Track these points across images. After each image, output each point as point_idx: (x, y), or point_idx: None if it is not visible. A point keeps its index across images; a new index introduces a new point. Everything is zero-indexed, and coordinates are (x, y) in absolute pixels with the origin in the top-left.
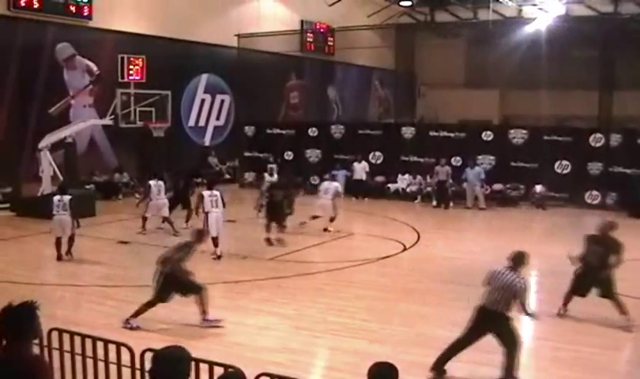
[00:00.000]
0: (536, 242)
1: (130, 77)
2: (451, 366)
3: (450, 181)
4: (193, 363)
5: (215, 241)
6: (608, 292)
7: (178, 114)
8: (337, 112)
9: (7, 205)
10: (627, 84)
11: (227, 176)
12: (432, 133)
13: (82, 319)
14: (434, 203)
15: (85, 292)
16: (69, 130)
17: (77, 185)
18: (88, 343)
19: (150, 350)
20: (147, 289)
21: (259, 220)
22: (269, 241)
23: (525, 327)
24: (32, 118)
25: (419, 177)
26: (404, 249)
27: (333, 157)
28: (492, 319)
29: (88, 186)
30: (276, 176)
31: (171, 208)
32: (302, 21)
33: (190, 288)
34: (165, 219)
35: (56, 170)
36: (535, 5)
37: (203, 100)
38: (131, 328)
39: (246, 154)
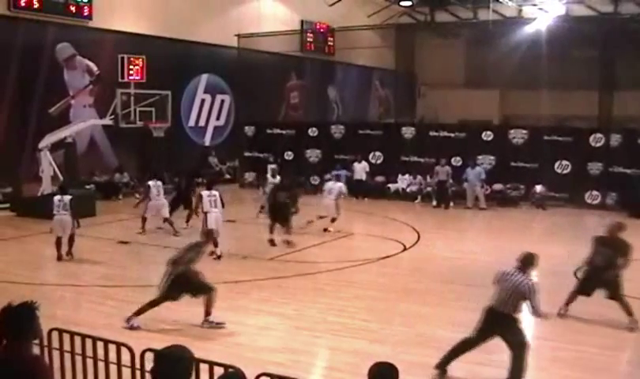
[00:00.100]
0: (536, 242)
1: (130, 77)
2: (451, 366)
3: (450, 181)
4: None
5: (214, 241)
6: (615, 294)
7: (178, 114)
8: (337, 112)
9: (7, 205)
10: (627, 84)
11: (228, 176)
12: (432, 133)
13: (82, 319)
14: (434, 203)
15: (85, 292)
16: (69, 130)
17: (77, 185)
18: (89, 343)
19: (150, 350)
20: (147, 289)
21: (259, 220)
22: (272, 242)
23: (525, 327)
24: (32, 118)
25: (419, 177)
26: (405, 249)
27: (333, 157)
28: (500, 320)
29: (88, 186)
30: (278, 177)
31: (174, 209)
32: (302, 21)
33: (201, 289)
34: (165, 220)
35: (56, 170)
36: (535, 5)
37: (203, 100)
38: (131, 328)
39: (246, 154)
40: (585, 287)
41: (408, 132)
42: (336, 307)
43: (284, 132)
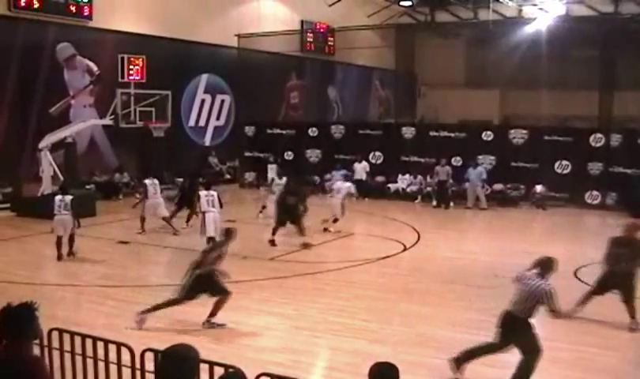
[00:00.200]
0: (537, 242)
1: (130, 77)
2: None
3: (450, 181)
4: None
5: (213, 241)
6: (629, 297)
7: (178, 114)
8: (337, 112)
9: (8, 205)
10: (628, 84)
11: (228, 176)
12: (432, 133)
13: (82, 319)
14: (434, 203)
15: (85, 292)
16: (70, 130)
17: (77, 185)
18: (89, 343)
19: (150, 350)
20: (147, 289)
21: (259, 221)
22: (272, 242)
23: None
24: (33, 118)
25: (419, 177)
26: (405, 249)
27: (334, 157)
28: (515, 324)
29: (88, 186)
30: (284, 178)
31: (179, 209)
32: (302, 21)
33: (220, 291)
34: (163, 219)
35: (56, 170)
36: (535, 5)
37: (203, 100)
38: (140, 322)
39: (247, 154)
40: (600, 289)
41: (408, 132)
42: (336, 307)
43: (284, 132)
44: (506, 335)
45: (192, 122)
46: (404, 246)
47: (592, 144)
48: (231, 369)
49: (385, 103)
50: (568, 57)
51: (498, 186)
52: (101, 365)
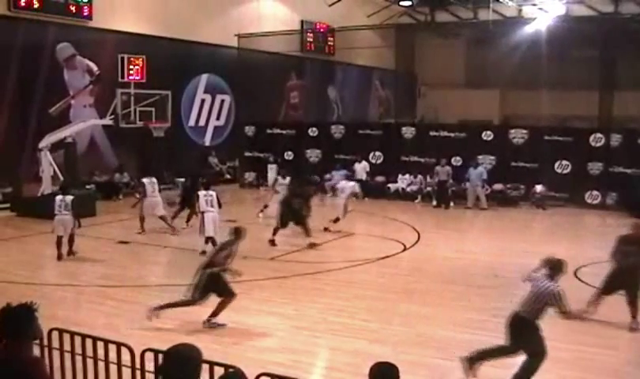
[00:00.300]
0: (537, 242)
1: (130, 77)
2: (451, 366)
3: (451, 181)
4: None
5: (212, 240)
6: (634, 296)
7: (178, 114)
8: (337, 112)
9: (7, 205)
10: (628, 84)
11: (228, 176)
12: (432, 133)
13: (82, 319)
14: (434, 203)
15: (85, 292)
16: (70, 130)
17: (77, 185)
18: (89, 342)
19: (150, 350)
20: (147, 289)
21: (259, 220)
22: (272, 242)
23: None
24: (33, 118)
25: (419, 176)
26: (405, 249)
27: (334, 157)
28: (521, 325)
29: (88, 186)
30: (288, 178)
31: (182, 209)
32: (302, 21)
33: (227, 291)
34: (161, 218)
35: (56, 170)
36: (535, 5)
37: (203, 100)
38: (149, 316)
39: (247, 154)
40: (609, 288)
41: (408, 132)
42: (336, 307)
43: (284, 132)
44: (515, 337)
45: (192, 122)
46: (404, 246)
47: (592, 144)
48: (231, 369)
49: (385, 103)
50: (568, 57)
51: (498, 186)
52: (101, 365)
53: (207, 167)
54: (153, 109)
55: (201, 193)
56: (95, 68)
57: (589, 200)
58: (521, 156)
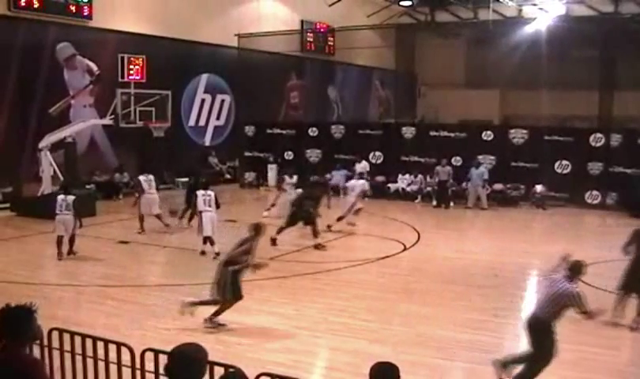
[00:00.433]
0: (537, 242)
1: (130, 77)
2: (451, 366)
3: (451, 181)
4: None
5: (210, 240)
6: None
7: (178, 114)
8: (338, 112)
9: (7, 205)
10: (628, 84)
11: (228, 176)
12: (432, 133)
13: (82, 319)
14: (435, 203)
15: (85, 292)
16: (70, 130)
17: (77, 185)
18: (89, 342)
19: (150, 350)
20: (146, 289)
21: (263, 220)
22: (274, 241)
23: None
24: (33, 118)
25: (419, 176)
26: (405, 249)
27: (334, 157)
28: (538, 326)
29: (88, 186)
30: (295, 177)
31: (188, 207)
32: (302, 21)
33: (237, 292)
34: (156, 216)
35: (56, 170)
36: (535, 5)
37: (203, 100)
38: (181, 311)
39: (247, 154)
40: (628, 285)
41: (408, 132)
42: (336, 307)
43: (284, 132)
44: (532, 338)
45: (192, 122)
46: (404, 246)
47: (592, 144)
48: (231, 369)
49: (386, 103)
50: (568, 57)
51: (498, 186)
52: (101, 365)
53: (207, 167)
54: (153, 109)
55: (200, 192)
56: (95, 68)
57: (589, 200)
58: (521, 156)
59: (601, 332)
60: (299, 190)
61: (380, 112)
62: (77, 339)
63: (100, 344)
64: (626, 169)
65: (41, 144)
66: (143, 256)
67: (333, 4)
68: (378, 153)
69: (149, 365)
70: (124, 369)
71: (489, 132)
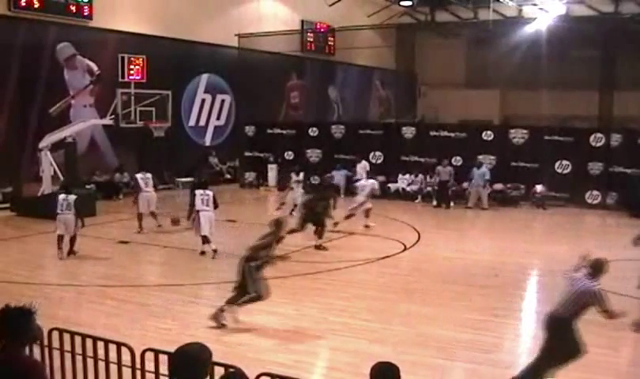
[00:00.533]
0: (537, 242)
1: (131, 77)
2: (451, 366)
3: (452, 181)
4: None
5: (206, 239)
6: None
7: (178, 114)
8: (338, 112)
9: (7, 205)
10: (628, 84)
11: (228, 176)
12: (433, 133)
13: (82, 319)
14: (435, 203)
15: (86, 292)
16: (70, 130)
17: (77, 185)
18: (89, 342)
19: (150, 349)
20: (146, 289)
21: (260, 221)
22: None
23: (525, 326)
24: (33, 118)
25: (420, 176)
26: (405, 248)
27: (334, 157)
28: (560, 325)
29: (88, 186)
30: (302, 175)
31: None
32: (302, 21)
33: (265, 287)
34: (151, 213)
35: (57, 170)
36: (535, 5)
37: (203, 100)
38: (227, 318)
39: (247, 154)
40: None
41: (408, 132)
42: (336, 307)
43: (284, 132)
44: (552, 338)
45: (192, 122)
46: (405, 246)
47: (593, 144)
48: (231, 369)
49: (386, 103)
50: (568, 57)
51: (498, 186)
52: (101, 365)
53: (207, 167)
54: (153, 109)
55: (198, 192)
56: (95, 68)
57: (589, 200)
58: (522, 156)
59: (601, 331)
60: (302, 190)
61: (380, 112)
62: (78, 339)
63: (100, 344)
64: (627, 169)
65: (41, 144)
66: (143, 256)
67: (334, 4)
68: (378, 153)
69: (149, 365)
70: (124, 369)
71: (489, 132)
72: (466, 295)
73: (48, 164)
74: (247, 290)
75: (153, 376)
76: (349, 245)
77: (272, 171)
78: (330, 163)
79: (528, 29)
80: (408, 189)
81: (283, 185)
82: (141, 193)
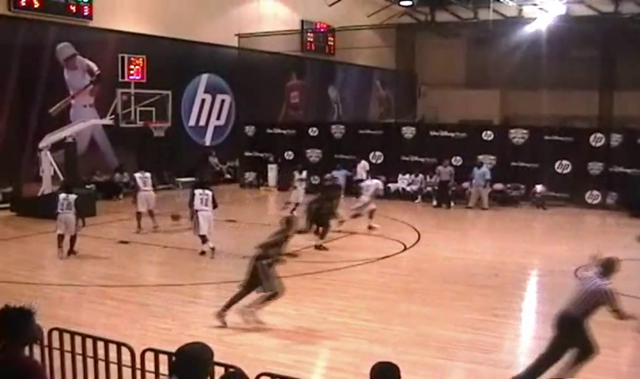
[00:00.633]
0: (537, 242)
1: (131, 77)
2: (451, 366)
3: (452, 181)
4: None
5: (205, 238)
6: None
7: (178, 113)
8: (338, 112)
9: (7, 205)
10: (628, 84)
11: (228, 176)
12: (433, 133)
13: (83, 319)
14: (435, 203)
15: (86, 292)
16: (70, 130)
17: (77, 185)
18: (89, 342)
19: (150, 350)
20: (146, 289)
21: (260, 221)
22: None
23: (525, 326)
24: (33, 118)
25: (420, 176)
26: (405, 248)
27: (334, 157)
28: (572, 324)
29: (88, 186)
30: (305, 173)
31: None
32: (302, 21)
33: (279, 284)
34: (149, 212)
35: (57, 170)
36: (535, 5)
37: (203, 100)
38: (249, 320)
39: (247, 154)
40: None
41: (408, 132)
42: (336, 307)
43: (284, 132)
44: (563, 337)
45: (192, 122)
46: (405, 246)
47: (593, 144)
48: (231, 369)
49: (386, 103)
50: (568, 57)
51: (498, 186)
52: (101, 365)
53: (207, 167)
54: (153, 109)
55: (197, 191)
56: (95, 68)
57: (589, 200)
58: (522, 156)
59: (601, 331)
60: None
61: (380, 112)
62: (78, 339)
63: (100, 344)
64: (627, 169)
65: (41, 144)
66: (143, 256)
67: (333, 4)
68: (378, 153)
69: (149, 365)
70: (124, 369)
71: (489, 132)
72: (466, 295)
73: (48, 164)
74: (262, 288)
75: (153, 376)
76: (349, 245)
77: (272, 171)
78: (330, 163)
79: (528, 29)
80: (408, 189)
81: (286, 184)
82: (140, 192)
